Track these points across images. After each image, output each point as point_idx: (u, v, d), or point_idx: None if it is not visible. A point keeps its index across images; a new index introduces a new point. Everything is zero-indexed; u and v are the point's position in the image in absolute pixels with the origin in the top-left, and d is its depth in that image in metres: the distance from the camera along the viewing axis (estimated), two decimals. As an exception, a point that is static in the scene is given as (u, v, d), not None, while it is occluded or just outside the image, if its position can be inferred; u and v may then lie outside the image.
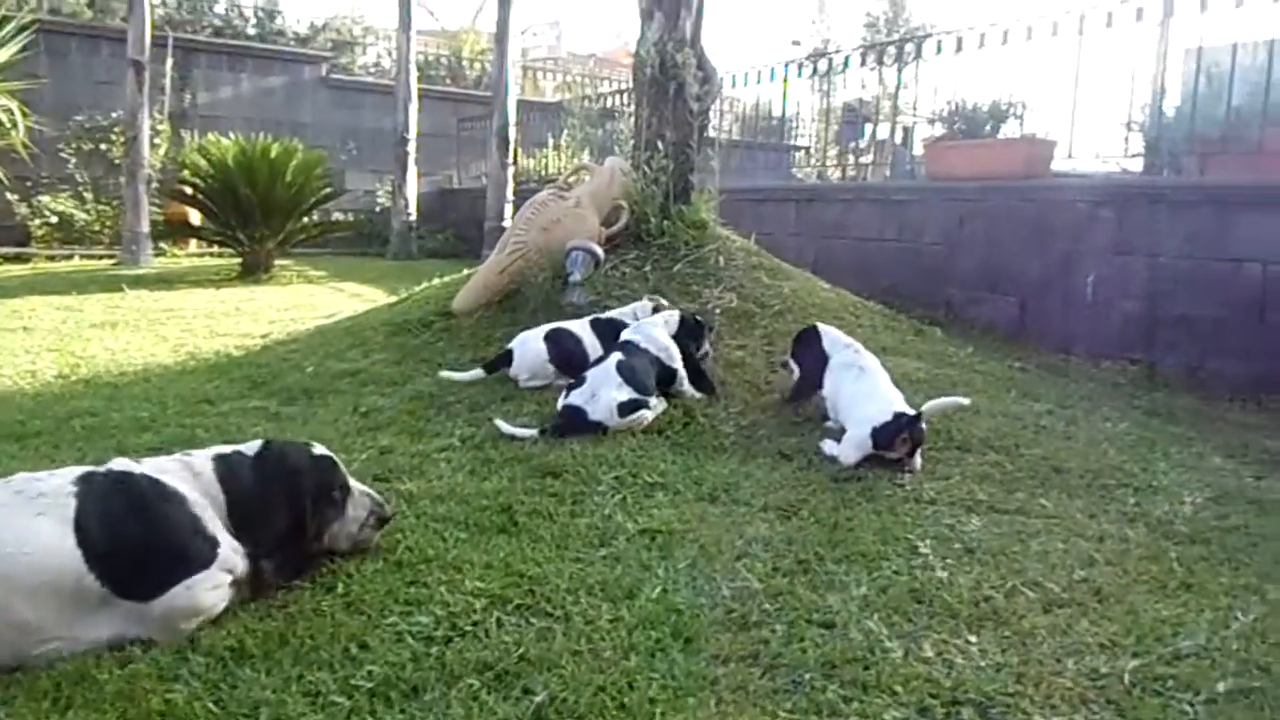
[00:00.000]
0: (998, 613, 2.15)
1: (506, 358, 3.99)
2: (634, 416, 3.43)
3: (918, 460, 3.17)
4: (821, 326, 3.78)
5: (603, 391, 3.44)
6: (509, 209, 11.19)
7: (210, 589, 1.98)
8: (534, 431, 3.36)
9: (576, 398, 3.46)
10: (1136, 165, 7.58)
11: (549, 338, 3.99)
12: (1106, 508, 2.93)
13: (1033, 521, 2.78)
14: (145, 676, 1.78)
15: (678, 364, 3.74)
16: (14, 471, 2.03)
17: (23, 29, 11.42)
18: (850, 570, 2.36)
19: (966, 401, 3.27)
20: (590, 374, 3.54)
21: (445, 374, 3.36)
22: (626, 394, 3.45)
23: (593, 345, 3.99)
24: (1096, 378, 5.04)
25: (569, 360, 3.90)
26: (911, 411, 3.20)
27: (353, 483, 2.34)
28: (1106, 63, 6.53)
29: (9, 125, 11.11)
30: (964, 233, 6.57)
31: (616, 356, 3.61)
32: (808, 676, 1.85)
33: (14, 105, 11.11)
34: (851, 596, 2.21)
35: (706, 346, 4.00)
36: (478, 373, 3.36)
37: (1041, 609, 2.19)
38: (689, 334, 3.88)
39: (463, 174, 15.73)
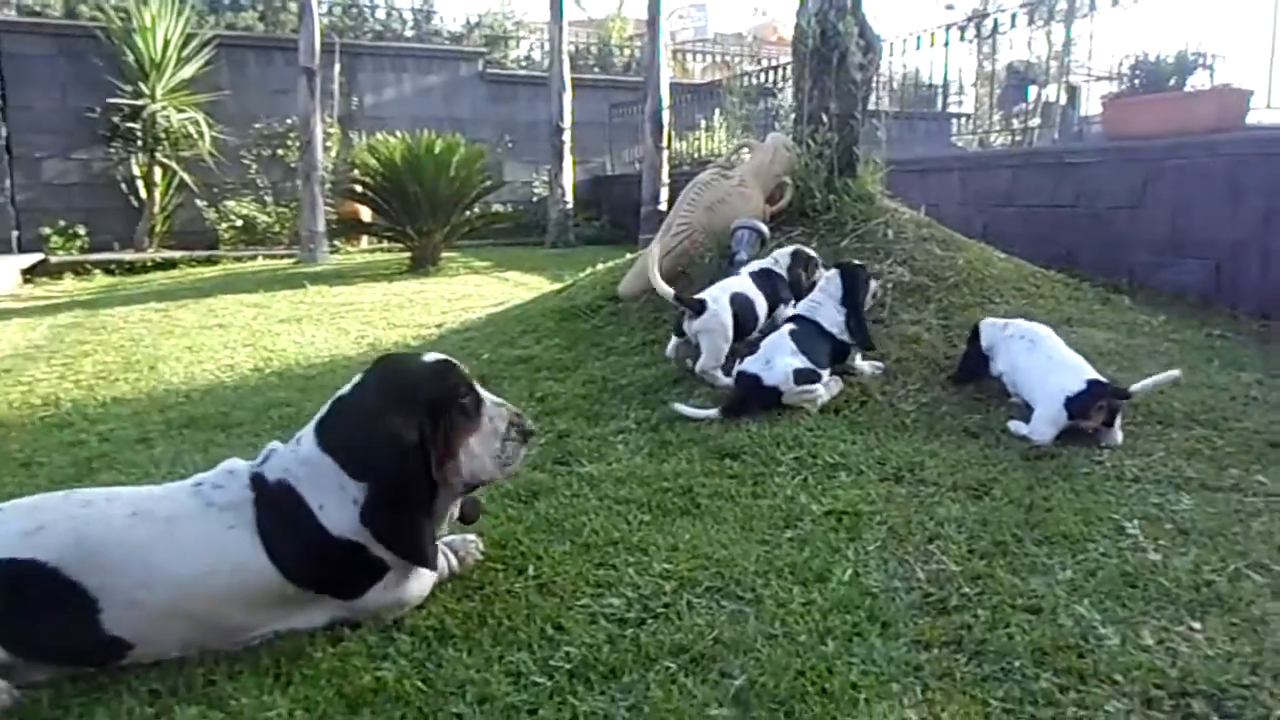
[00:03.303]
0: (1222, 598, 1.99)
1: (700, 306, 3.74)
2: (808, 387, 3.37)
3: (1118, 433, 2.98)
4: (983, 322, 3.58)
5: (777, 358, 3.40)
6: (664, 192, 11.22)
7: (414, 580, 2.03)
8: (714, 411, 3.34)
9: (751, 364, 3.44)
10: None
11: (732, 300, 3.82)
12: (1335, 484, 2.69)
13: (1251, 500, 2.57)
14: (356, 655, 1.85)
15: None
16: (226, 457, 2.11)
17: (205, 44, 12.24)
18: (1053, 553, 2.24)
19: (1178, 374, 3.05)
20: (764, 343, 3.52)
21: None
22: (801, 361, 3.39)
23: (760, 304, 3.90)
24: (1307, 344, 4.64)
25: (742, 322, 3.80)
26: (1103, 379, 3.04)
27: (484, 392, 2.08)
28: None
29: (197, 135, 11.96)
30: (1147, 194, 6.15)
31: (789, 327, 3.57)
32: (1017, 664, 1.76)
33: (200, 116, 11.95)
34: (1057, 580, 2.09)
35: (875, 289, 3.86)
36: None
37: (1271, 594, 2.01)
38: (848, 283, 3.67)
39: (616, 160, 15.83)
